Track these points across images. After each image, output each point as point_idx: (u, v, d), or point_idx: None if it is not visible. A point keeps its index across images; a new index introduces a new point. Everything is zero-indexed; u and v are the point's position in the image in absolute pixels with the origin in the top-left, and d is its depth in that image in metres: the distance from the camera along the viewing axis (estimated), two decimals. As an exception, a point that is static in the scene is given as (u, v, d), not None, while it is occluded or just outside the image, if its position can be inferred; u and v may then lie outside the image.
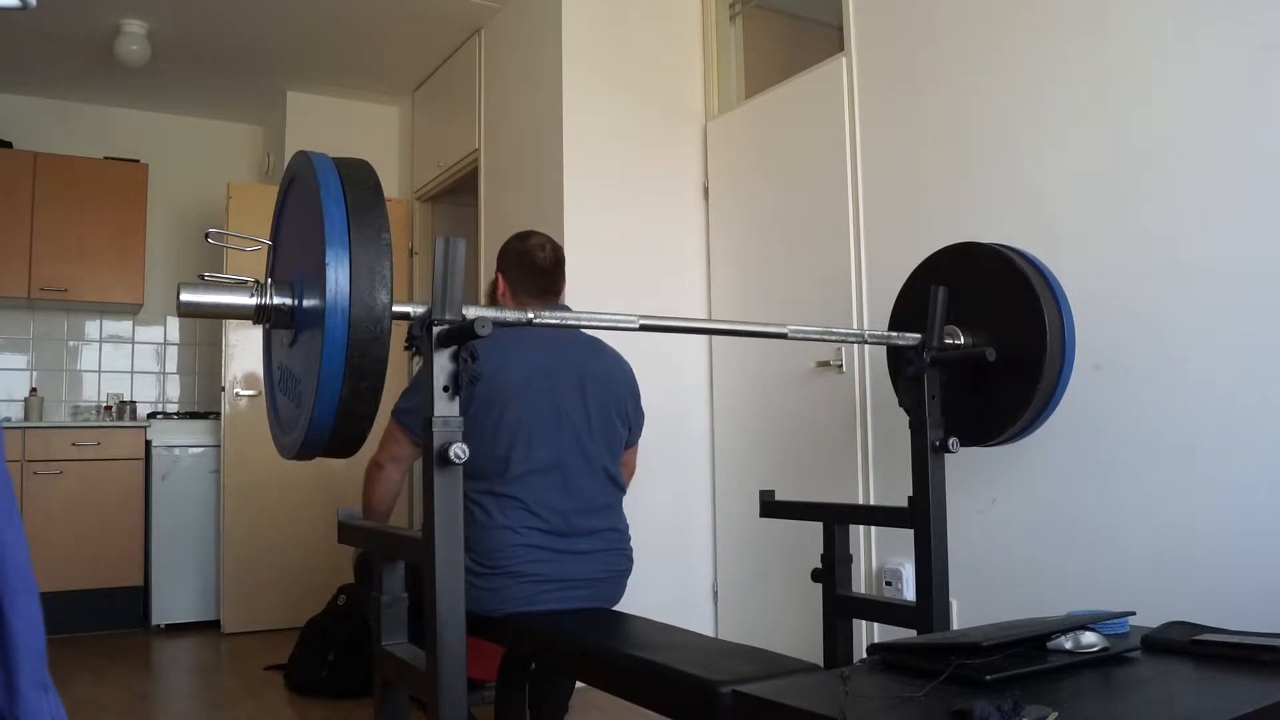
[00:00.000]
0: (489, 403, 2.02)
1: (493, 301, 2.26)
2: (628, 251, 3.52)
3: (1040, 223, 2.40)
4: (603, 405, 2.16)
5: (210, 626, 4.45)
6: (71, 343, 4.97)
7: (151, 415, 4.81)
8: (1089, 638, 1.42)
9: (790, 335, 1.82)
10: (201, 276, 1.45)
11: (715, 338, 3.61)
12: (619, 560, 2.14)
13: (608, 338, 2.30)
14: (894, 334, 2.00)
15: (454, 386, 1.41)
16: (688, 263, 3.64)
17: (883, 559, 2.86)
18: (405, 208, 4.93)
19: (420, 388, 1.89)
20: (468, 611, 1.46)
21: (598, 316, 1.61)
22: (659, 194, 3.60)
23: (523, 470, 2.02)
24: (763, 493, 2.29)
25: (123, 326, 5.09)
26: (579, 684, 2.55)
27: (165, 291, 5.02)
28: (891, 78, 2.88)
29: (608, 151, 3.52)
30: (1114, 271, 2.24)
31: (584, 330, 2.24)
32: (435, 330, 1.39)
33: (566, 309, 2.26)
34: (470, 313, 1.42)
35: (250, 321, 1.43)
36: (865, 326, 2.90)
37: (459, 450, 1.37)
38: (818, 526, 2.15)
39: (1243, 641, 1.43)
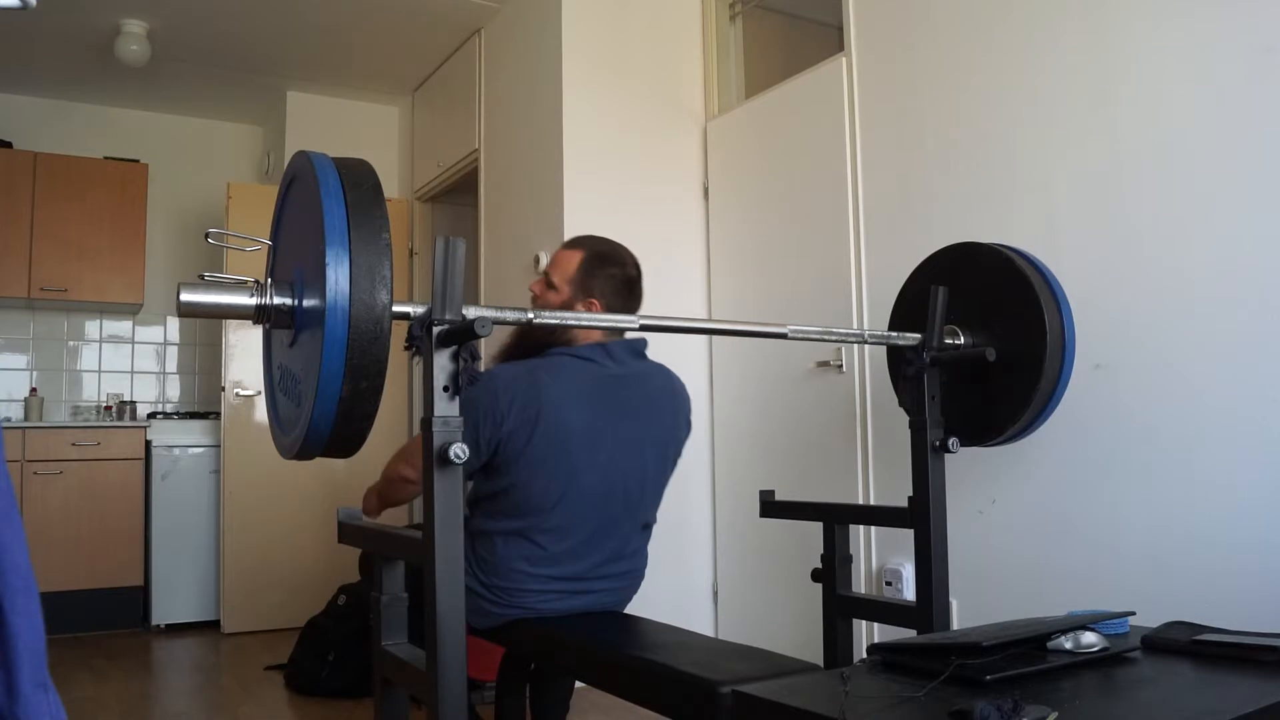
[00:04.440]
0: (548, 445, 1.87)
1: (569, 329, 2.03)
2: (628, 251, 3.51)
3: (1040, 223, 2.40)
4: (661, 459, 2.05)
5: (210, 626, 4.45)
6: (71, 343, 4.97)
7: (151, 415, 4.81)
8: (1089, 638, 1.42)
9: (790, 335, 1.82)
10: (201, 276, 1.45)
11: (715, 338, 3.61)
12: (632, 590, 2.10)
13: None
14: (894, 334, 2.00)
15: (454, 386, 1.41)
16: (688, 263, 3.64)
17: (883, 559, 2.86)
18: (405, 208, 4.93)
19: (465, 406, 1.85)
20: (470, 625, 1.46)
21: (599, 317, 1.61)
22: (659, 194, 3.60)
23: (562, 522, 1.92)
24: (763, 493, 2.30)
25: (123, 326, 5.09)
26: (579, 684, 2.55)
27: (165, 291, 5.02)
28: (891, 78, 2.88)
29: (608, 151, 3.52)
30: (1114, 271, 2.24)
31: (647, 357, 2.11)
32: (435, 330, 1.39)
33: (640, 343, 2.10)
34: (470, 312, 1.42)
35: (250, 321, 1.43)
36: (865, 326, 2.90)
37: (459, 450, 1.37)
38: (818, 526, 2.15)
39: (1243, 641, 1.43)
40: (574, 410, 1.89)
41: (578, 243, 2.09)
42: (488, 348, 2.15)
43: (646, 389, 2.05)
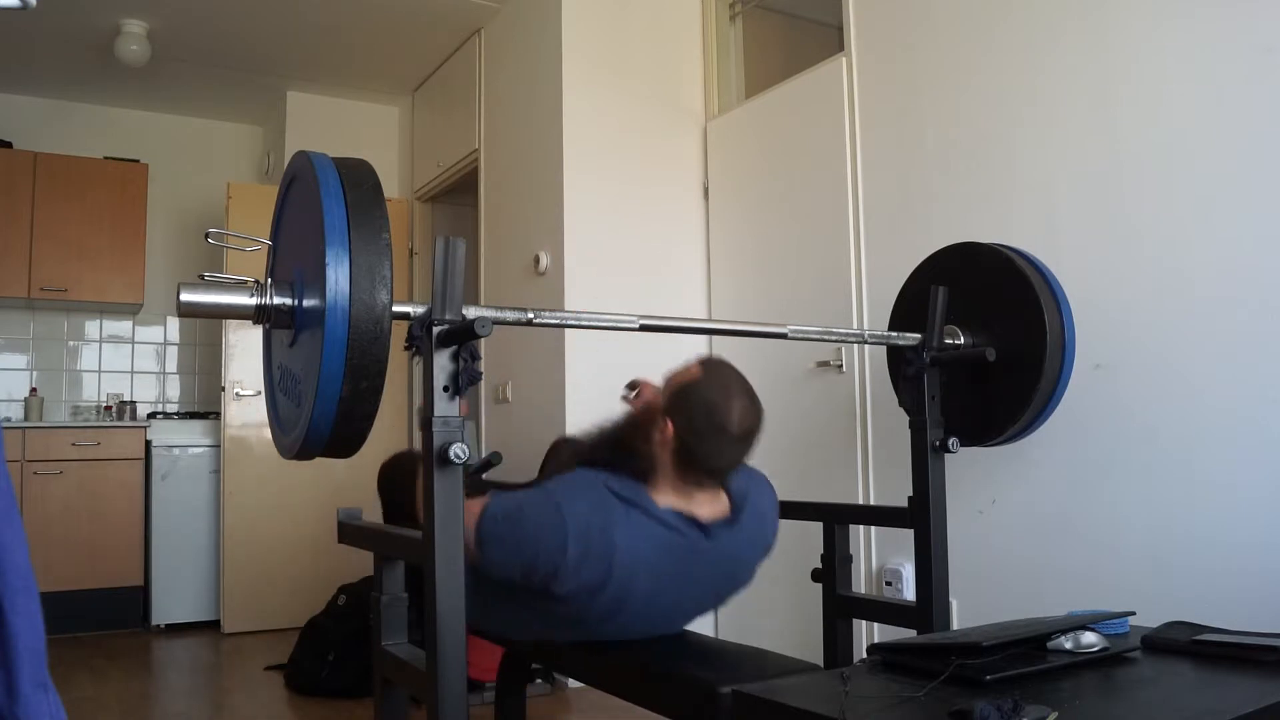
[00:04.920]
0: (608, 601, 1.64)
1: (644, 440, 1.68)
2: (628, 251, 3.51)
3: (1040, 223, 2.40)
4: (719, 601, 1.84)
5: (210, 626, 4.45)
6: (71, 343, 4.97)
7: (151, 415, 4.81)
8: (1089, 638, 1.42)
9: (790, 335, 1.83)
10: (201, 276, 1.46)
11: (715, 338, 3.61)
12: None
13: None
14: (894, 334, 2.00)
15: (454, 386, 1.41)
16: (688, 263, 3.64)
17: (883, 559, 2.86)
18: (405, 208, 4.93)
19: (523, 525, 1.58)
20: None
21: (598, 317, 1.61)
22: (659, 194, 3.60)
23: (603, 632, 1.74)
24: (763, 493, 2.29)
25: (123, 326, 5.09)
26: (580, 684, 2.54)
27: (165, 291, 5.02)
28: (891, 78, 2.88)
29: (608, 151, 3.52)
30: (1114, 271, 2.24)
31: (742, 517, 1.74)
32: (435, 330, 1.39)
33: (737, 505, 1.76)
34: (470, 312, 1.42)
35: (250, 321, 1.43)
36: (865, 326, 2.90)
37: (459, 450, 1.37)
38: (818, 526, 2.15)
39: (1243, 641, 1.43)
40: (646, 579, 1.63)
41: (708, 363, 1.74)
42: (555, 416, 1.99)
43: (736, 558, 1.75)
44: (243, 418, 4.41)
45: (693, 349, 3.58)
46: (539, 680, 3.18)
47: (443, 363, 1.40)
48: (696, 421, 1.62)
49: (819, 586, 2.14)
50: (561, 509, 1.59)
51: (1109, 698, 1.25)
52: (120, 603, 4.38)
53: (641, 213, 3.55)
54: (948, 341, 1.99)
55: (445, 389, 1.40)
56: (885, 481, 2.85)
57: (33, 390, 4.77)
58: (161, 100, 5.04)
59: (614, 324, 1.66)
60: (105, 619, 4.36)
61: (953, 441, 1.94)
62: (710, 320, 3.54)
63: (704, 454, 1.63)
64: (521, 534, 1.59)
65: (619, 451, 1.70)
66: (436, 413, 1.39)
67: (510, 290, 3.79)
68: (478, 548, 1.61)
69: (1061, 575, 2.31)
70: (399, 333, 1.35)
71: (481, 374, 1.46)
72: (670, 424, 1.64)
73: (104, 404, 4.90)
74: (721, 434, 1.62)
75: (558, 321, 1.61)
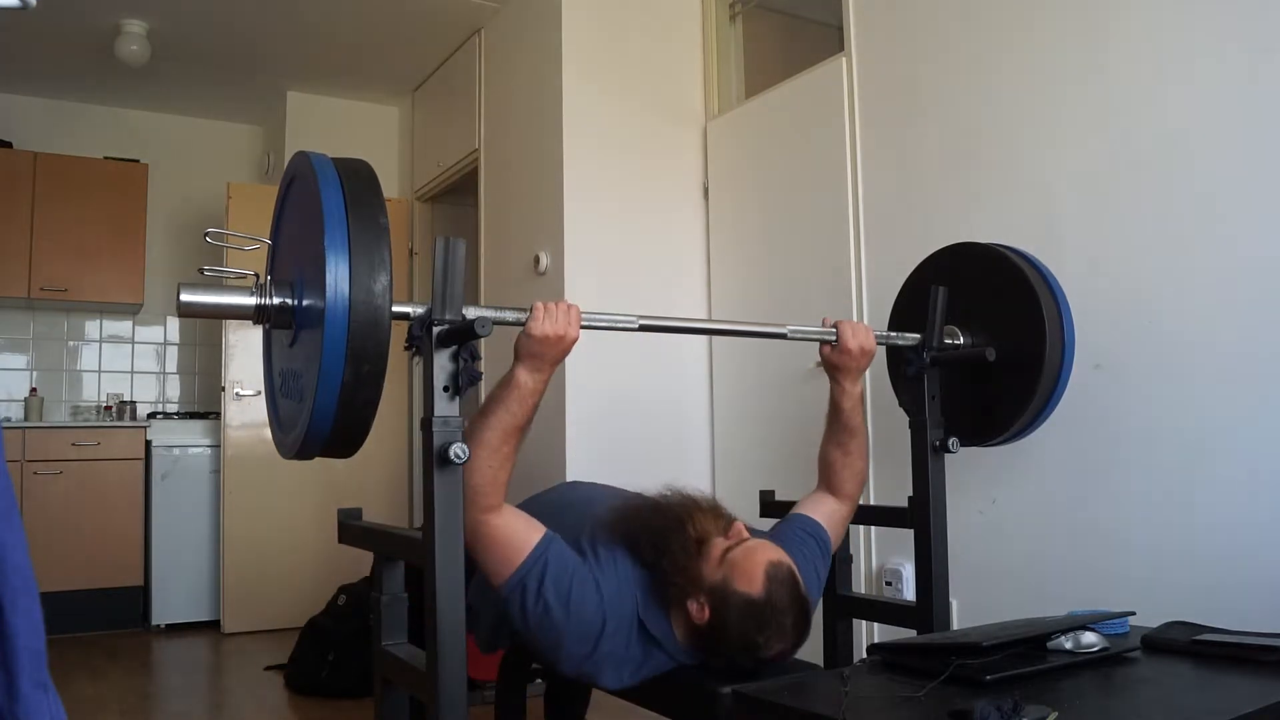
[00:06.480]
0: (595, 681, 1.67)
1: (685, 581, 1.56)
2: (628, 251, 3.51)
3: (1041, 223, 2.40)
4: None
5: (210, 626, 4.45)
6: (71, 343, 4.97)
7: (151, 415, 4.81)
8: (1089, 638, 1.42)
9: (790, 335, 1.83)
10: (201, 271, 1.45)
11: (715, 338, 3.61)
12: None
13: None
14: (894, 334, 2.00)
15: (454, 386, 1.41)
16: (688, 263, 3.64)
17: (883, 559, 2.86)
18: (405, 208, 4.93)
19: (569, 616, 1.51)
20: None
21: (598, 317, 1.61)
22: (659, 194, 3.60)
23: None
24: (763, 493, 2.30)
25: (123, 326, 5.09)
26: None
27: (165, 291, 5.02)
28: (891, 78, 2.88)
29: (608, 151, 3.52)
30: (1114, 271, 2.24)
31: None
32: (435, 330, 1.39)
33: None
34: (470, 313, 1.42)
35: (250, 322, 1.43)
36: (865, 326, 2.90)
37: (459, 450, 1.37)
38: (818, 526, 2.14)
39: (1243, 641, 1.43)
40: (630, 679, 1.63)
41: (774, 579, 1.53)
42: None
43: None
44: (242, 418, 4.41)
45: (693, 348, 3.59)
46: (539, 680, 3.18)
47: (443, 363, 1.40)
48: (731, 636, 1.52)
49: (819, 586, 2.14)
50: (605, 628, 1.54)
51: (1109, 698, 1.25)
52: (120, 603, 4.38)
53: (641, 212, 3.55)
54: (948, 341, 1.99)
55: (445, 389, 1.40)
56: (885, 481, 2.85)
57: (33, 390, 4.77)
58: (161, 100, 5.04)
59: (614, 324, 1.66)
60: (105, 619, 4.36)
61: (953, 441, 1.94)
62: (710, 320, 3.54)
63: (727, 658, 1.55)
64: (559, 630, 1.53)
65: (661, 563, 1.59)
66: (436, 413, 1.39)
67: (510, 290, 3.79)
68: (509, 602, 1.54)
69: (1061, 575, 2.31)
70: (399, 334, 1.35)
71: (481, 374, 1.46)
72: (708, 611, 1.52)
73: (104, 404, 4.91)
74: (750, 657, 1.53)
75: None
